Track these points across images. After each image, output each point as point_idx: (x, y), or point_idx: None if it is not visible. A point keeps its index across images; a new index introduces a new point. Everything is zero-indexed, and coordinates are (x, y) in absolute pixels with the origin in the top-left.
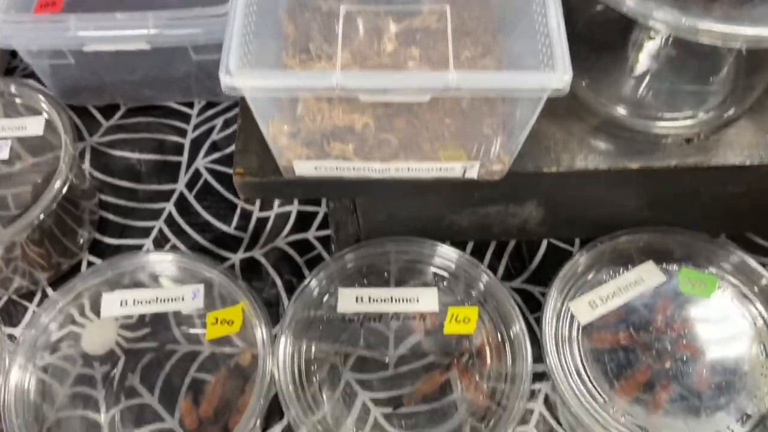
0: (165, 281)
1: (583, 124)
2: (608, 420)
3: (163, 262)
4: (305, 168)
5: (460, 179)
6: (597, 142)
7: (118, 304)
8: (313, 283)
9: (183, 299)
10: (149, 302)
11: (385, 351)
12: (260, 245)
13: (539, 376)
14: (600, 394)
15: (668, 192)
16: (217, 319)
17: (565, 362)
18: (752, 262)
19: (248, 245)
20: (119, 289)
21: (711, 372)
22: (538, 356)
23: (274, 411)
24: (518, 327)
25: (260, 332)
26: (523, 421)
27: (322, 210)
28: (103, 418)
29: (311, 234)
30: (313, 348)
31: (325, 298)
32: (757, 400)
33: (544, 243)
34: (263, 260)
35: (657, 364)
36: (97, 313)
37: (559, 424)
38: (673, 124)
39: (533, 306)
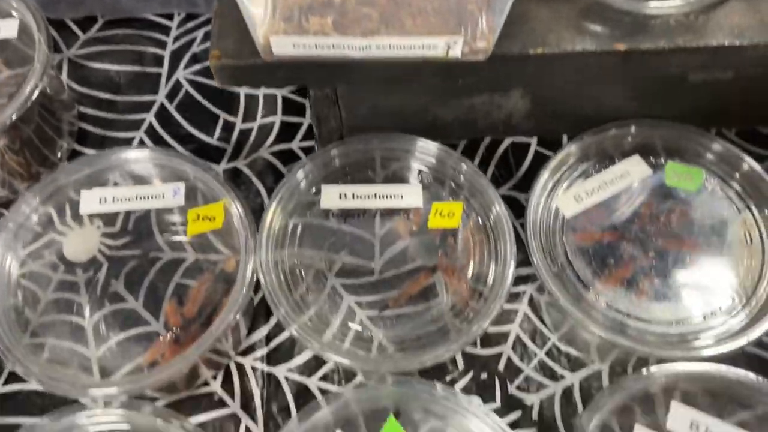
0: (145, 179)
1: (572, 6)
2: (593, 309)
3: (142, 161)
4: (283, 46)
5: (444, 59)
6: (585, 23)
7: (97, 202)
8: (299, 174)
9: (163, 196)
10: (129, 199)
11: (371, 257)
12: (244, 156)
13: (524, 279)
14: (584, 285)
15: (656, 77)
16: (198, 216)
17: (550, 256)
18: (736, 150)
19: (231, 156)
20: (98, 186)
21: (697, 260)
22: (523, 261)
23: (259, 315)
24: (500, 212)
25: (241, 224)
26: (508, 320)
27: (306, 121)
28: (87, 322)
29: (295, 144)
30: (298, 253)
31: (308, 197)
32: (741, 285)
33: (531, 150)
34: (247, 170)
35: (642, 256)
36: (79, 221)
37: (543, 323)
38: (663, 5)
39: (519, 212)
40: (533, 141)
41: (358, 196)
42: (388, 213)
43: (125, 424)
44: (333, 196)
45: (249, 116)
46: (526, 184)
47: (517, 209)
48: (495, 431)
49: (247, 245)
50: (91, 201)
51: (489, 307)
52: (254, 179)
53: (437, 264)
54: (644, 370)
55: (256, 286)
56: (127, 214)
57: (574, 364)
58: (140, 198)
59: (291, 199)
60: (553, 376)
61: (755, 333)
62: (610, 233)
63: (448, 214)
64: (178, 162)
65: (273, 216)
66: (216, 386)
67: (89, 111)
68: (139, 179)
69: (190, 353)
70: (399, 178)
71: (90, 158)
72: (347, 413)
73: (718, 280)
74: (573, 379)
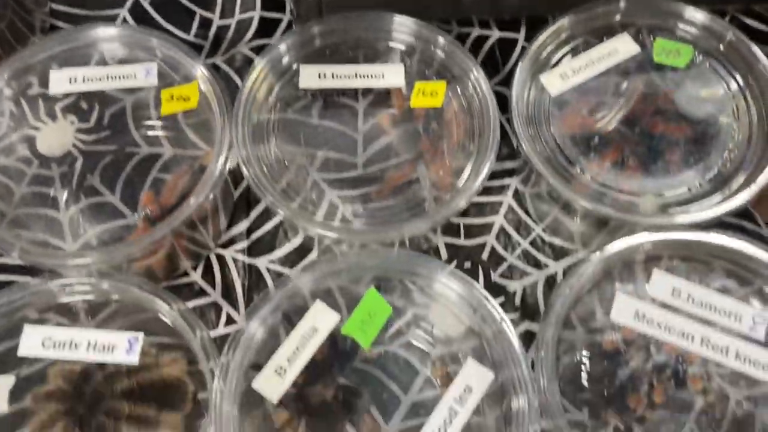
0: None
1: None
2: (581, 186)
3: (112, 40)
4: None
5: None
6: None
7: (67, 82)
8: (281, 48)
9: (135, 77)
10: (99, 79)
11: (354, 153)
12: (222, 51)
13: (509, 172)
14: (572, 164)
15: None
16: (172, 96)
17: (538, 140)
18: (722, 21)
19: (209, 52)
20: (68, 67)
21: (683, 137)
22: (508, 155)
23: (239, 211)
24: (482, 85)
25: (216, 103)
26: (492, 211)
27: (285, 17)
28: (62, 215)
29: (275, 40)
30: (279, 148)
31: (289, 86)
32: (724, 159)
33: (518, 46)
34: (225, 66)
35: (630, 135)
36: (52, 116)
37: (528, 215)
38: None
39: (505, 108)
40: (520, 37)
41: (337, 76)
42: (371, 108)
43: (108, 295)
44: (312, 76)
45: (227, 12)
46: (513, 79)
47: (503, 105)
48: (471, 291)
49: (222, 122)
50: (60, 81)
51: (471, 183)
52: (233, 75)
53: (421, 148)
54: (626, 239)
55: (237, 181)
56: (102, 109)
57: (558, 254)
58: (111, 78)
59: (270, 73)
60: (537, 265)
61: (738, 201)
62: (597, 119)
63: (431, 93)
64: (152, 41)
65: (254, 83)
66: (196, 276)
67: (61, 8)
68: (111, 61)
69: (164, 226)
70: (381, 57)
71: (61, 35)
72: (325, 284)
73: (703, 153)
74: (557, 267)
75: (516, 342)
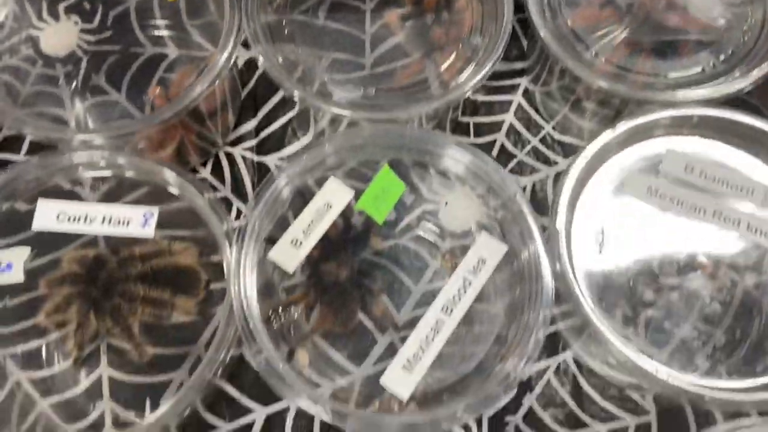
0: None
1: None
2: (596, 69)
3: None
4: None
5: None
6: None
7: None
8: None
9: None
10: None
11: (362, 54)
12: None
13: (519, 72)
14: (587, 48)
15: None
16: None
17: (554, 29)
18: None
19: None
20: None
21: (697, 27)
22: (517, 56)
23: (247, 110)
24: None
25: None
26: (502, 110)
27: None
28: (68, 113)
29: None
30: (285, 48)
31: None
32: (738, 40)
33: None
34: None
35: (642, 25)
36: (55, 16)
37: (538, 113)
38: None
39: (518, 9)
40: None
41: None
42: (379, 10)
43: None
44: None
45: None
46: None
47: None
48: (484, 166)
49: (231, 12)
50: None
51: (482, 68)
52: None
53: (433, 38)
54: (638, 117)
55: (244, 81)
56: (105, 10)
57: (568, 151)
58: None
59: None
60: (547, 162)
61: (750, 79)
62: (611, 9)
63: None
64: None
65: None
66: (206, 173)
67: None
68: None
69: (171, 107)
70: None
71: None
72: (338, 162)
73: (719, 37)
74: (566, 164)
75: (530, 216)
